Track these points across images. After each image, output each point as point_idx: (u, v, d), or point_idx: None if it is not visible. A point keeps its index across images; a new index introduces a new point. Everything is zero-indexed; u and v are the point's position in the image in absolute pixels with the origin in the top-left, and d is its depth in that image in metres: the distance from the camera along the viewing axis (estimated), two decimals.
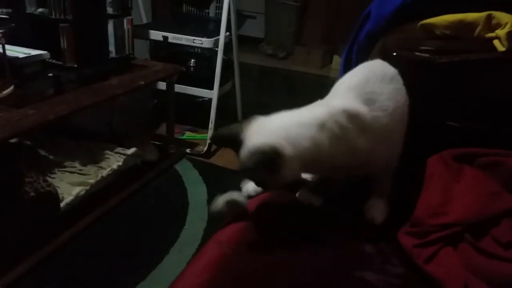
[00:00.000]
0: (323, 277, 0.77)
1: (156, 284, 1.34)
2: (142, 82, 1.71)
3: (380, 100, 0.87)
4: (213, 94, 2.09)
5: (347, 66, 1.30)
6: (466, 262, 0.78)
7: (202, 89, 2.15)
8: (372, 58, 1.17)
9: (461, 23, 0.96)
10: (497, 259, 0.77)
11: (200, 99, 2.42)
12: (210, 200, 1.78)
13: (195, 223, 1.65)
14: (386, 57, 1.01)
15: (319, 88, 2.35)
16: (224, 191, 1.80)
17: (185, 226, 1.63)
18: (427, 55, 1.01)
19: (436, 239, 0.81)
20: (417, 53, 1.01)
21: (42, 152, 1.87)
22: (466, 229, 0.82)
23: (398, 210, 0.95)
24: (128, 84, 1.67)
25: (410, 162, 0.99)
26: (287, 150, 0.77)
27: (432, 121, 1.05)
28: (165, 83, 1.98)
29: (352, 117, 0.83)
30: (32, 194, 1.49)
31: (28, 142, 1.96)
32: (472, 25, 0.96)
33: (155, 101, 2.32)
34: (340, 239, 0.87)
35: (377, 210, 0.96)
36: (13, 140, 1.93)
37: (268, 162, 0.76)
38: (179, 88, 2.11)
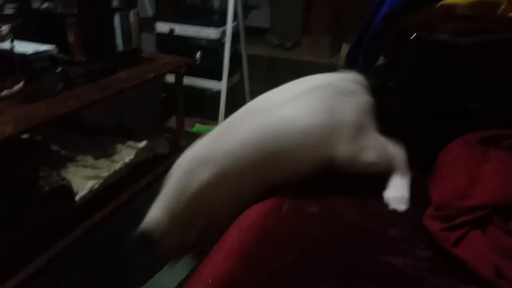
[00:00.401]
0: (349, 263, 0.76)
1: (174, 273, 1.33)
2: (151, 75, 1.70)
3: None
4: (221, 85, 2.08)
5: (353, 57, 1.26)
6: (495, 244, 0.76)
7: (211, 81, 2.13)
8: (389, 42, 1.15)
9: (483, 2, 0.93)
10: None
11: (209, 92, 2.40)
12: None
13: None
14: (404, 39, 0.98)
15: None
16: None
17: None
18: (447, 36, 0.98)
19: (463, 222, 0.79)
20: (438, 34, 0.98)
21: (54, 148, 1.87)
22: (494, 211, 0.80)
23: (419, 195, 0.93)
24: (137, 78, 1.66)
25: (431, 147, 0.97)
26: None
27: (454, 105, 1.03)
28: (173, 76, 1.96)
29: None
30: (47, 188, 1.50)
31: (39, 138, 1.96)
32: (494, 3, 0.93)
33: (164, 94, 2.31)
34: (363, 224, 0.86)
35: (398, 199, 0.93)
36: (25, 136, 1.95)
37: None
38: (187, 80, 2.09)
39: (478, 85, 1.01)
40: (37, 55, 1.58)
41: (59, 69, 1.63)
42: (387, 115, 1.06)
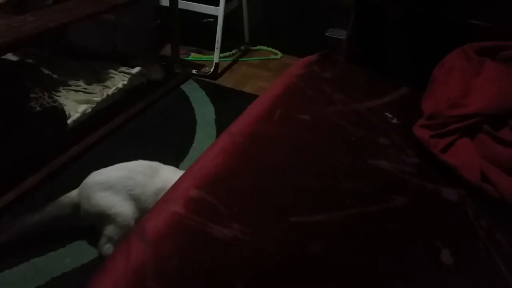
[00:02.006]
0: (338, 164, 0.77)
1: None
2: None
3: None
4: (219, 11, 2.00)
5: None
6: (483, 151, 0.77)
7: (207, 6, 2.05)
8: None
9: None
10: None
11: (205, 20, 2.32)
12: (218, 119, 1.76)
13: (203, 141, 1.64)
14: None
15: (329, 11, 2.22)
16: (232, 111, 1.79)
17: (194, 144, 1.63)
18: None
19: (454, 130, 0.80)
20: None
21: (46, 71, 1.83)
22: (485, 120, 0.80)
23: (413, 109, 0.93)
24: None
25: (431, 60, 0.95)
26: None
27: (455, 19, 0.99)
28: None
29: None
30: (38, 109, 1.48)
31: (31, 61, 1.91)
32: None
33: (158, 21, 2.23)
34: (355, 132, 0.86)
35: None
36: (16, 59, 1.90)
37: None
38: (183, 5, 2.00)
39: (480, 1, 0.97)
40: None
41: None
42: (391, 29, 1.02)
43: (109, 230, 1.05)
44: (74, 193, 1.11)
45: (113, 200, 1.03)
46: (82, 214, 1.08)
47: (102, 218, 1.05)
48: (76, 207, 1.09)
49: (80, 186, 1.12)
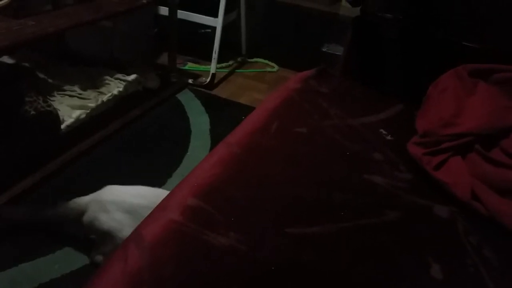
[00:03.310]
0: (332, 177, 0.78)
1: None
2: (144, 1, 1.64)
3: None
4: (217, 22, 2.02)
5: None
6: (474, 169, 0.79)
7: (206, 17, 2.08)
8: None
9: None
10: (504, 167, 0.79)
11: (203, 30, 2.34)
12: (212, 129, 1.77)
13: (197, 150, 1.65)
14: None
15: (326, 27, 2.27)
16: (227, 122, 1.81)
17: (188, 153, 1.64)
18: None
19: (447, 148, 0.82)
20: None
21: (41, 75, 1.83)
22: (476, 140, 0.83)
23: (407, 125, 0.95)
24: (130, 2, 1.60)
25: (425, 80, 0.98)
26: None
27: (450, 40, 1.02)
28: (167, 8, 1.90)
29: None
30: (33, 112, 1.47)
31: (27, 65, 1.91)
32: None
33: (156, 30, 2.25)
34: (350, 147, 0.87)
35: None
36: (12, 62, 1.89)
37: None
38: (181, 15, 2.03)
39: (475, 22, 1.01)
40: None
41: None
42: (387, 47, 1.05)
43: (108, 247, 1.02)
44: (83, 201, 1.08)
45: (126, 225, 1.00)
46: (85, 223, 1.05)
47: (107, 236, 1.02)
48: (80, 214, 1.06)
49: (94, 197, 1.07)
